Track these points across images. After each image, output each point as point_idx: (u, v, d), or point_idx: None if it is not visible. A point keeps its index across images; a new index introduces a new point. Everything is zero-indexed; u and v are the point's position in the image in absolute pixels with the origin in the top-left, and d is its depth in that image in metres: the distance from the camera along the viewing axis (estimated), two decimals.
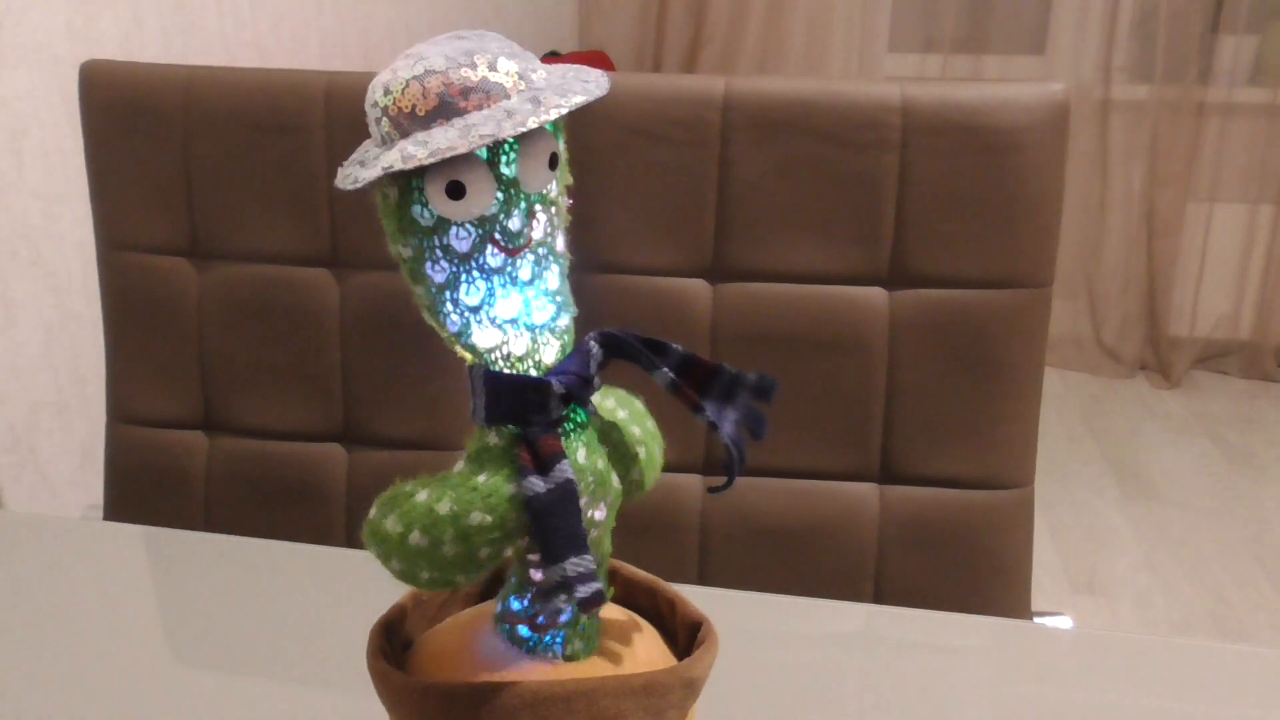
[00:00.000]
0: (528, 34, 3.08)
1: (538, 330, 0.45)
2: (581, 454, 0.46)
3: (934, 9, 3.34)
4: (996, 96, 0.94)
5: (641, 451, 0.49)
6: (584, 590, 0.42)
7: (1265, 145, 3.18)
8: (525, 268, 0.44)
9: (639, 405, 0.51)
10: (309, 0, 1.98)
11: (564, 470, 0.44)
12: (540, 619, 0.47)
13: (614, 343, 0.47)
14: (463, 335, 0.45)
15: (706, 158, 0.98)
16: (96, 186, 1.09)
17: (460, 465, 0.46)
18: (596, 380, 0.46)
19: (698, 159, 0.98)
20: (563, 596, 0.43)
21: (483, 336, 0.45)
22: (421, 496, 0.45)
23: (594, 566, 0.43)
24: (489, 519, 0.44)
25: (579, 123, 0.99)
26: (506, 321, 0.45)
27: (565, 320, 0.46)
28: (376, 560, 0.46)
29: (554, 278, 0.46)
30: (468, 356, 0.46)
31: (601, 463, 0.47)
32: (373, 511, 0.46)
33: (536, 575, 0.47)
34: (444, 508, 0.44)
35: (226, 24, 1.76)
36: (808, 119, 0.96)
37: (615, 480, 0.48)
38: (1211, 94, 3.15)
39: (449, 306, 0.44)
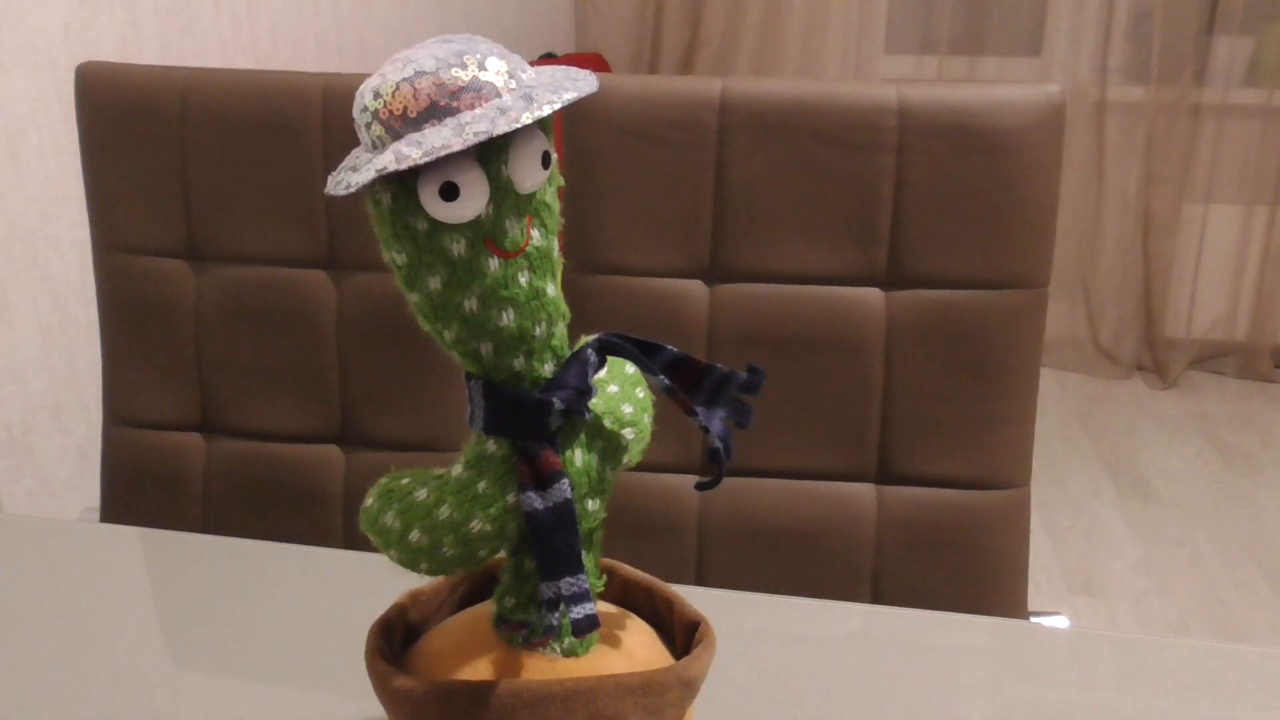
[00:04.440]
0: (524, 36, 3.08)
1: (535, 342, 0.45)
2: (579, 457, 0.47)
3: (930, 11, 3.35)
4: (992, 98, 0.94)
5: (630, 433, 0.49)
6: (578, 611, 0.44)
7: (1260, 146, 3.19)
8: (523, 273, 0.44)
9: (630, 372, 0.51)
10: (306, 2, 1.98)
11: (563, 490, 0.44)
12: (537, 630, 0.47)
13: (610, 349, 0.47)
14: (460, 343, 0.45)
15: (703, 159, 0.98)
16: (93, 189, 1.09)
17: (458, 469, 0.46)
18: (594, 388, 0.47)
19: (694, 161, 0.98)
20: (557, 614, 0.44)
21: (480, 345, 0.44)
22: (420, 495, 0.45)
23: (588, 587, 0.44)
24: (489, 528, 0.45)
25: (576, 125, 0.99)
26: (504, 329, 0.44)
27: (561, 329, 0.46)
28: (374, 562, 0.46)
29: (551, 285, 0.45)
30: (466, 364, 0.46)
31: (596, 461, 0.47)
32: (369, 500, 0.47)
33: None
34: (444, 513, 0.45)
35: (223, 26, 1.76)
36: (804, 120, 0.96)
37: (609, 472, 0.48)
38: (1207, 95, 3.15)
39: (446, 313, 0.44)
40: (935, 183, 0.95)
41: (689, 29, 3.41)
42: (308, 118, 1.03)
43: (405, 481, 0.46)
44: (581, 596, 0.44)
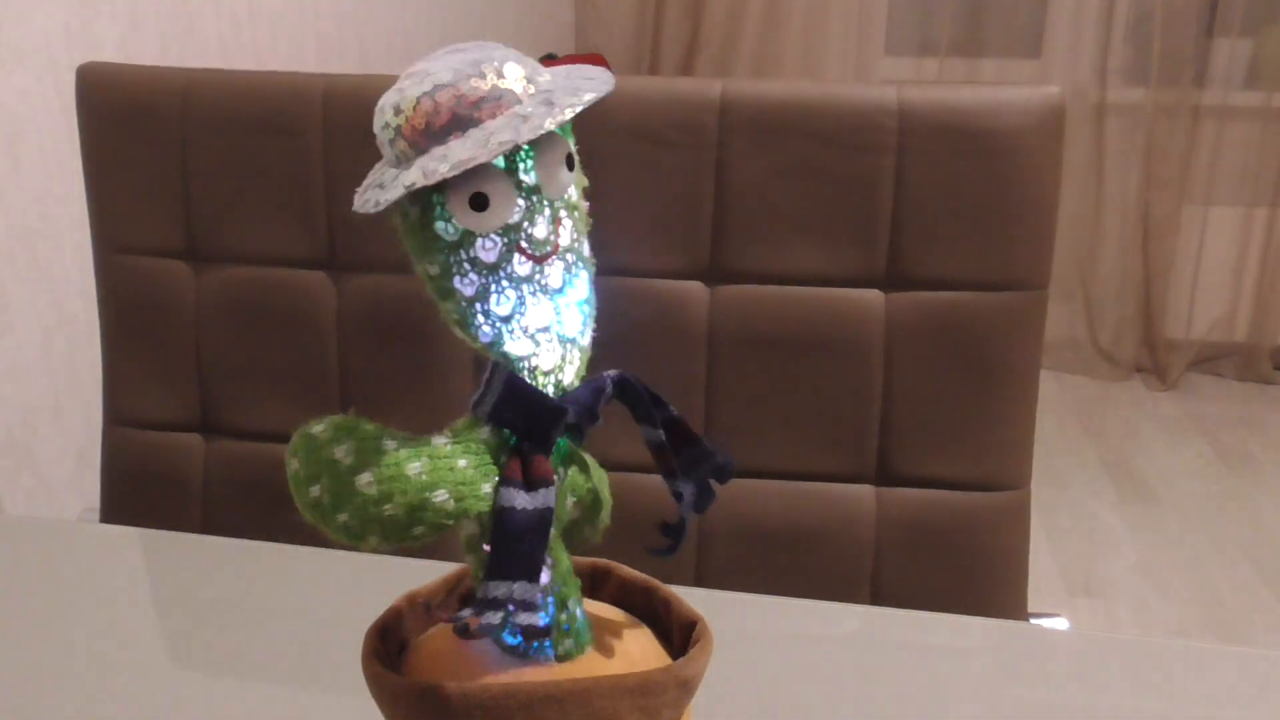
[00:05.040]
0: (524, 37, 3.09)
1: (568, 343, 0.46)
2: (561, 473, 0.47)
3: (930, 12, 3.35)
4: (992, 99, 0.94)
5: (590, 503, 0.50)
6: (523, 619, 0.43)
7: (1260, 148, 3.19)
8: (554, 274, 0.44)
9: (598, 470, 0.52)
10: (306, 3, 1.98)
11: (548, 497, 0.44)
12: (478, 624, 0.45)
13: (626, 388, 0.47)
14: (495, 346, 0.45)
15: (703, 160, 0.98)
16: (94, 189, 1.09)
17: (442, 439, 0.45)
18: (601, 417, 0.47)
19: (694, 162, 0.98)
20: (500, 614, 0.42)
21: (515, 346, 0.45)
22: (390, 445, 0.44)
23: (538, 598, 0.43)
24: (451, 504, 0.43)
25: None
26: (539, 330, 0.45)
27: (589, 335, 0.47)
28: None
29: (583, 284, 0.46)
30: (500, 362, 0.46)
31: (572, 496, 0.48)
32: (318, 427, 0.44)
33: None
34: (413, 469, 0.43)
35: (224, 27, 1.76)
36: (804, 122, 0.96)
37: (566, 511, 0.48)
38: (1207, 97, 3.15)
39: (480, 319, 0.44)
40: (935, 184, 0.95)
41: (689, 30, 3.41)
42: (308, 118, 1.03)
43: (369, 427, 0.45)
44: (529, 605, 0.43)
